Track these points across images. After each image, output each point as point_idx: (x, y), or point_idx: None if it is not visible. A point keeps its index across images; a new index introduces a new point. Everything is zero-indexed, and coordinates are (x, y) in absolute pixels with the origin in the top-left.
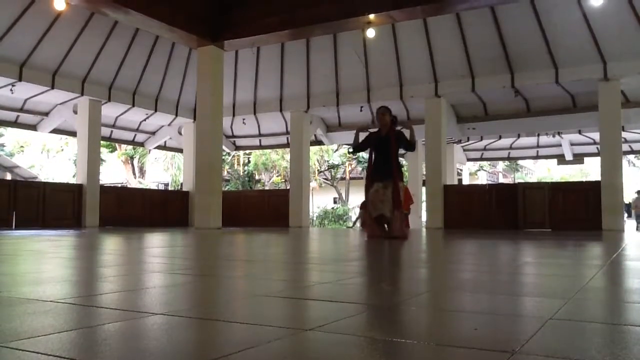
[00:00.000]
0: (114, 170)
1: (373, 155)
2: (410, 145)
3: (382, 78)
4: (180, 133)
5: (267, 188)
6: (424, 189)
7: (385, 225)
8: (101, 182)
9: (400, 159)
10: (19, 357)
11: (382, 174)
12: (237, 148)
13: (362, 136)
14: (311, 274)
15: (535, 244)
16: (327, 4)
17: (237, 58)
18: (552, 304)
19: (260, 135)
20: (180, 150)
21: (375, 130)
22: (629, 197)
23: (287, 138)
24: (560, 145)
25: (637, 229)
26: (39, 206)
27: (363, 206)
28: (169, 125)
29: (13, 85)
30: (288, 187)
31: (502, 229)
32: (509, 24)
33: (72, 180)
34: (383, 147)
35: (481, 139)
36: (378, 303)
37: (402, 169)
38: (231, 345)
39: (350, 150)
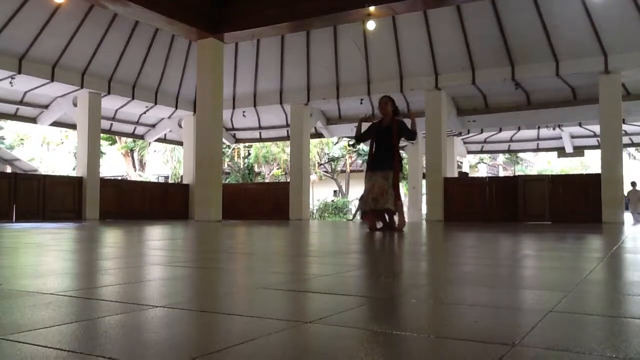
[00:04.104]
0: (114, 163)
1: (374, 145)
2: (412, 134)
3: (382, 70)
4: (180, 126)
5: (267, 181)
6: (424, 182)
7: (386, 216)
8: (101, 175)
9: (401, 151)
10: (19, 350)
11: (382, 164)
12: (237, 141)
13: (365, 127)
14: (311, 266)
15: (535, 236)
16: None
17: (237, 50)
18: (552, 296)
19: (260, 127)
20: (180, 143)
21: (377, 120)
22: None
23: (287, 131)
24: (561, 138)
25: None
26: (39, 199)
27: (362, 198)
28: (169, 117)
29: (12, 78)
30: (288, 180)
31: (502, 221)
32: (510, 16)
33: (72, 173)
34: (384, 136)
35: (481, 132)
36: (378, 296)
37: (402, 161)
38: (231, 337)
39: (352, 142)
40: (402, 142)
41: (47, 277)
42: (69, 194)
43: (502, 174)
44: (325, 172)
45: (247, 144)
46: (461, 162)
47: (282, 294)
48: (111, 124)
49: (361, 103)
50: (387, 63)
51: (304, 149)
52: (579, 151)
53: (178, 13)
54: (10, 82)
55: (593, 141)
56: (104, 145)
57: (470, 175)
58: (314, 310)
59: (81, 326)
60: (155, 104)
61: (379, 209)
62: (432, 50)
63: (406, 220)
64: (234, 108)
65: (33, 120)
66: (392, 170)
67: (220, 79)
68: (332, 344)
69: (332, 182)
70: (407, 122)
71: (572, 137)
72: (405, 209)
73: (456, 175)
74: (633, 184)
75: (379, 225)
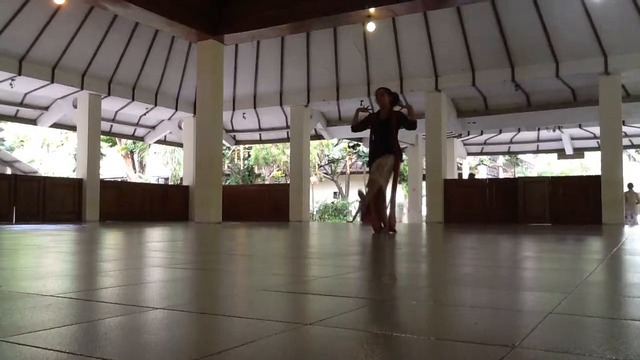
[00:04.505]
0: (114, 165)
1: (373, 138)
2: (412, 124)
3: (382, 72)
4: (180, 127)
5: (267, 182)
6: (424, 183)
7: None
8: (101, 177)
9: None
10: (19, 352)
11: (381, 155)
12: (237, 142)
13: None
14: (311, 268)
15: (535, 238)
16: None
17: (237, 52)
18: (552, 298)
19: (260, 129)
20: (180, 145)
21: (375, 112)
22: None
23: (287, 132)
24: (561, 140)
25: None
26: (39, 201)
27: (362, 196)
28: (169, 119)
29: (13, 80)
30: (288, 182)
31: (502, 222)
32: (510, 18)
33: (72, 175)
34: (383, 129)
35: (481, 133)
36: (378, 297)
37: (403, 154)
38: (231, 339)
39: (352, 144)
40: (402, 145)
41: (47, 279)
42: (69, 196)
43: (502, 175)
44: (325, 173)
45: (247, 146)
46: (461, 164)
47: (282, 296)
48: (111, 126)
49: (361, 104)
50: (387, 64)
51: (304, 150)
52: (579, 153)
53: (178, 14)
54: (11, 84)
55: (593, 143)
56: (104, 146)
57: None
58: (314, 312)
59: (81, 328)
60: (155, 105)
61: (374, 180)
62: (432, 51)
63: (397, 220)
64: (234, 109)
65: (33, 121)
66: (392, 154)
67: (220, 81)
68: (332, 345)
69: (332, 183)
70: (406, 112)
71: (572, 138)
72: (404, 210)
73: (456, 177)
74: (630, 185)
75: (381, 224)
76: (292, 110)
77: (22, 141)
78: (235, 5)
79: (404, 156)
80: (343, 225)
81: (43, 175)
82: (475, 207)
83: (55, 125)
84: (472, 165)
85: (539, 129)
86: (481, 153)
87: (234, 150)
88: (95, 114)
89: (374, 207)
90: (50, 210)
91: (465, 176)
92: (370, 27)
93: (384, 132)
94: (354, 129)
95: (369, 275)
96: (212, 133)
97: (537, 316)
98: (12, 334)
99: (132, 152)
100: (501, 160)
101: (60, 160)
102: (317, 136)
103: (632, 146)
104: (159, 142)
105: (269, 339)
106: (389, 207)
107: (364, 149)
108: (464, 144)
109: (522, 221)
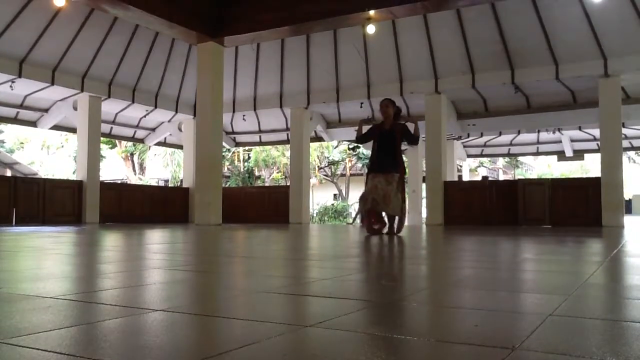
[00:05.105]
0: (114, 167)
1: (376, 148)
2: (414, 139)
3: (382, 74)
4: (180, 129)
5: (267, 184)
6: (424, 185)
7: (386, 219)
8: (101, 179)
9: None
10: (19, 354)
11: (386, 166)
12: (237, 144)
13: (366, 129)
14: (311, 270)
15: (535, 240)
16: None
17: (237, 54)
18: (552, 300)
19: (260, 131)
20: (180, 147)
21: (379, 122)
22: (629, 193)
23: (287, 134)
24: (561, 142)
25: None
26: (39, 202)
27: (362, 198)
28: (169, 121)
29: (13, 82)
30: (288, 184)
31: (502, 225)
32: (510, 20)
33: (72, 177)
34: (387, 140)
35: (481, 135)
36: (379, 299)
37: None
38: (231, 341)
39: (352, 146)
40: (402, 146)
41: (46, 281)
42: (69, 198)
43: (502, 177)
44: (325, 175)
45: (247, 148)
46: (461, 166)
47: (282, 298)
48: (111, 128)
49: (361, 107)
50: (387, 67)
51: (304, 152)
52: (578, 155)
53: (178, 17)
54: (11, 86)
55: (593, 145)
56: (104, 148)
57: (470, 179)
58: (314, 314)
59: (81, 330)
60: (155, 107)
61: (379, 211)
62: (432, 54)
63: (405, 223)
64: (234, 111)
65: (33, 123)
66: (397, 172)
67: (220, 83)
68: (332, 347)
69: (332, 185)
70: (410, 126)
71: (572, 140)
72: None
73: (456, 179)
74: None
75: (377, 227)
76: (292, 112)
77: (22, 143)
78: (235, 7)
79: (404, 158)
80: (343, 228)
81: (43, 177)
82: (475, 209)
83: (56, 128)
84: (472, 167)
85: (538, 131)
86: (481, 155)
87: (233, 152)
88: (96, 116)
89: (374, 212)
90: (50, 212)
91: (464, 178)
92: (370, 29)
93: (388, 143)
94: (359, 141)
95: (369, 277)
96: (212, 135)
97: (537, 318)
98: (12, 336)
99: (132, 154)
100: (501, 162)
101: (60, 162)
102: (317, 138)
103: (632, 148)
104: (159, 144)
105: (269, 341)
106: (396, 219)
107: (364, 151)
108: (464, 146)
109: (522, 223)
